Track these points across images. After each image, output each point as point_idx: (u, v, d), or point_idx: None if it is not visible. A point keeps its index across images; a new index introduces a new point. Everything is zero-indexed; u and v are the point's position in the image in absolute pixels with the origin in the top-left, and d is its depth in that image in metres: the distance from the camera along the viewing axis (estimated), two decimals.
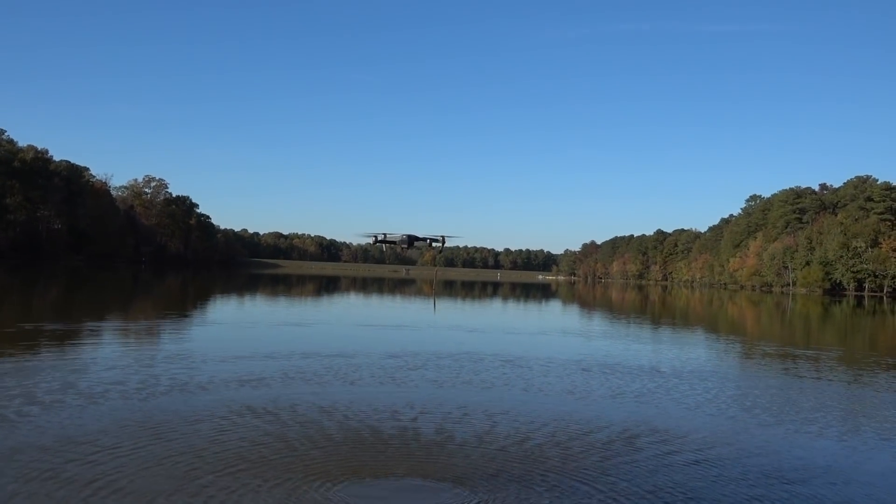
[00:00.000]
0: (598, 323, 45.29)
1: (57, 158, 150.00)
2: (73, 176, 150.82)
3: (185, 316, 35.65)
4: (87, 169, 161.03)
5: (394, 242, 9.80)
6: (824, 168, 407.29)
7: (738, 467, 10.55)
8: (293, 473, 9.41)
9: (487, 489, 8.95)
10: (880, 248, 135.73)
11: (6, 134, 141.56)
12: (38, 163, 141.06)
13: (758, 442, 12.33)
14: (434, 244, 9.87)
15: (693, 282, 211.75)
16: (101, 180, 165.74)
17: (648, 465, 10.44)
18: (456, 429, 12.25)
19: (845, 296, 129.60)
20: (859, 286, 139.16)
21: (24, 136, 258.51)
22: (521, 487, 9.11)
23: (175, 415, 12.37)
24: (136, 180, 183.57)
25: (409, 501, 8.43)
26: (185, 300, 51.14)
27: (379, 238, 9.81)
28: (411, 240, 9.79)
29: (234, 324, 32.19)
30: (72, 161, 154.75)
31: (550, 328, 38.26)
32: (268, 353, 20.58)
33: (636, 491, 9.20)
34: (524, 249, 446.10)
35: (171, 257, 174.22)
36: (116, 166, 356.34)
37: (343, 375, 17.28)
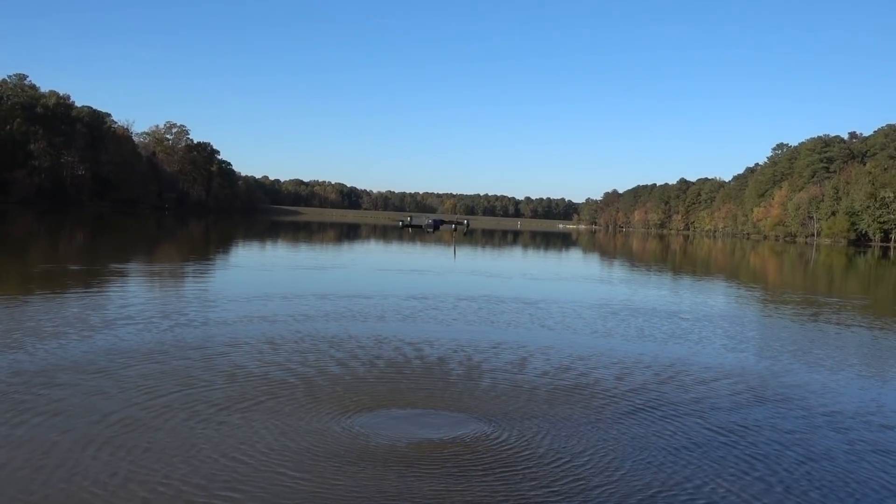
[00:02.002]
0: (618, 271, 45.15)
1: (79, 104, 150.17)
2: (96, 122, 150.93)
3: (207, 260, 36.05)
4: (109, 115, 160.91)
5: (420, 226, 10.01)
6: (855, 116, 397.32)
7: (814, 408, 10.43)
8: (292, 403, 9.26)
9: (519, 424, 8.92)
10: None
11: (28, 79, 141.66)
12: (61, 108, 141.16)
13: (821, 382, 12.27)
14: (458, 226, 10.04)
15: (715, 231, 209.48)
16: (123, 126, 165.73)
17: (712, 404, 10.33)
18: (483, 365, 12.31)
19: (870, 246, 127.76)
20: (885, 237, 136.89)
21: (46, 82, 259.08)
22: (570, 424, 9.03)
23: (171, 345, 12.50)
24: (157, 126, 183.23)
25: (431, 432, 8.38)
26: (206, 245, 51.62)
27: (405, 222, 10.04)
28: (437, 224, 9.95)
29: (252, 267, 32.47)
30: (93, 107, 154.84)
31: (571, 275, 38.23)
32: (284, 293, 20.77)
33: (715, 428, 9.11)
34: (545, 198, 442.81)
35: (194, 204, 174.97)
36: (137, 113, 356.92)
37: (361, 314, 17.45)
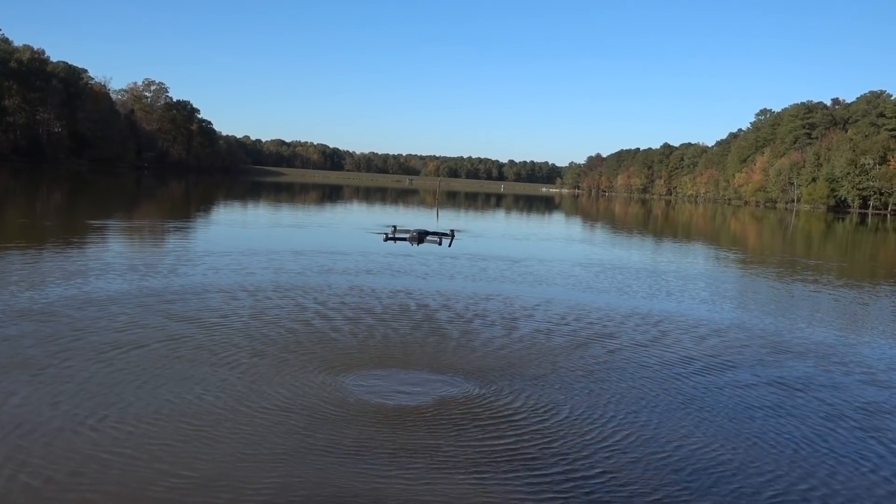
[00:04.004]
0: (601, 233, 45.29)
1: (54, 59, 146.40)
2: (72, 78, 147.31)
3: (186, 218, 35.64)
4: (86, 71, 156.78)
5: (404, 238, 9.71)
6: (839, 82, 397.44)
7: (846, 364, 10.59)
8: (239, 351, 8.93)
9: (531, 378, 8.85)
10: (888, 165, 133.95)
11: (0, 32, 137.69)
12: (35, 63, 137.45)
13: (838, 340, 12.47)
14: (444, 238, 9.74)
15: (697, 197, 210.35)
16: (100, 83, 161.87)
17: (749, 359, 10.42)
18: (473, 320, 12.20)
19: (849, 213, 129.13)
20: (864, 204, 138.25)
21: (19, 36, 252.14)
22: (593, 377, 9.01)
23: (125, 293, 12.35)
24: (135, 83, 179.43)
25: (427, 387, 8.25)
26: (186, 204, 51.02)
27: (389, 234, 9.72)
28: (421, 236, 9.66)
29: (231, 224, 32.17)
30: (69, 62, 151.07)
31: (555, 236, 38.27)
32: (261, 249, 20.56)
33: (772, 382, 9.19)
34: (528, 161, 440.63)
35: (173, 163, 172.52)
36: (114, 69, 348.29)
37: (337, 269, 17.30)
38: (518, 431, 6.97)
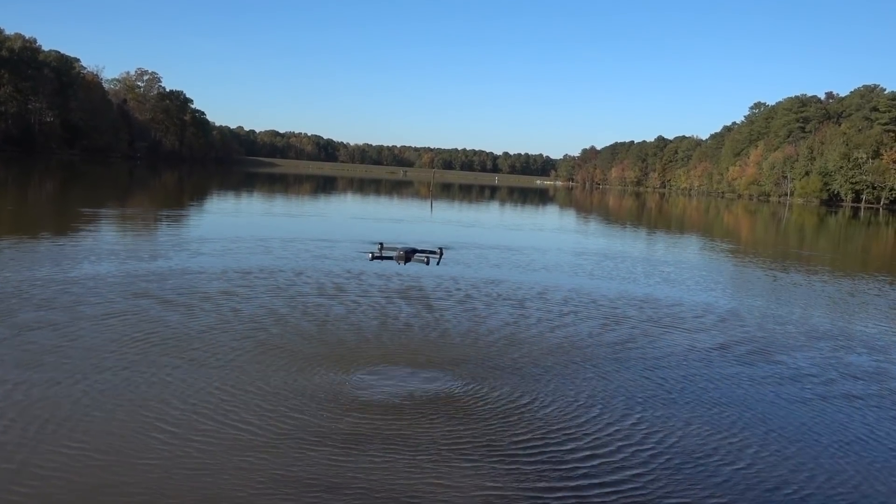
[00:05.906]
0: (596, 225, 45.30)
1: (46, 48, 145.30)
2: (64, 67, 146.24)
3: (179, 207, 35.43)
4: (78, 60, 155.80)
5: (391, 257, 9.59)
6: (832, 76, 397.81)
7: (885, 352, 10.63)
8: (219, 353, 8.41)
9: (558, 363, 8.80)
10: (881, 159, 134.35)
11: None
12: (27, 52, 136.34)
13: (872, 329, 12.57)
14: (431, 256, 9.58)
15: (691, 190, 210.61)
16: (92, 72, 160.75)
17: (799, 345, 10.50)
18: (480, 306, 12.13)
19: (842, 207, 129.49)
20: (856, 198, 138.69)
21: (10, 24, 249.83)
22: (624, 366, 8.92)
23: (93, 275, 12.27)
24: (128, 73, 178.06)
25: (402, 387, 7.95)
26: (180, 194, 50.74)
27: (376, 253, 9.59)
28: (408, 255, 9.51)
29: (223, 213, 31.99)
30: (61, 51, 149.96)
31: (551, 227, 38.26)
32: (251, 236, 20.46)
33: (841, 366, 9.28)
34: (523, 154, 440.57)
35: (166, 154, 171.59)
36: (107, 59, 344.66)
37: (327, 255, 17.24)
38: (538, 425, 6.75)
